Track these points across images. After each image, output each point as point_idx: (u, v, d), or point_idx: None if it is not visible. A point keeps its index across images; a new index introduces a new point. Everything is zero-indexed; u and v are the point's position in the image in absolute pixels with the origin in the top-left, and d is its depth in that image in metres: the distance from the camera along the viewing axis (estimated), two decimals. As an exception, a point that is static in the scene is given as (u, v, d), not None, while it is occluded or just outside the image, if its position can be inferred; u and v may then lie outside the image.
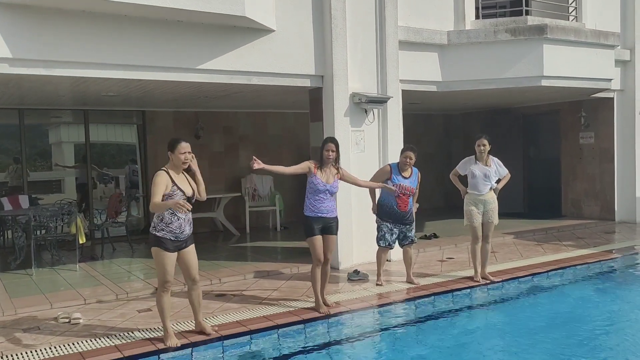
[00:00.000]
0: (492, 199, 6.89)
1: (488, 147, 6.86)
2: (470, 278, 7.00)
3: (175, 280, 7.14)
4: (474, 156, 6.94)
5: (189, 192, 4.89)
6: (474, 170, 6.87)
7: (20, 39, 5.99)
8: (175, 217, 4.84)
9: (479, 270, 7.03)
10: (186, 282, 5.13)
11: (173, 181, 4.82)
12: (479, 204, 6.89)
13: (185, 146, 4.86)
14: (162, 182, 4.76)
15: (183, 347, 4.88)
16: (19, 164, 10.62)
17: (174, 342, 4.93)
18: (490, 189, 6.88)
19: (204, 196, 5.09)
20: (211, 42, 7.02)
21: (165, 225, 4.84)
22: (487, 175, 6.84)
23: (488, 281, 6.89)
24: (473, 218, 6.91)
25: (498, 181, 7.02)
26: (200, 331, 5.14)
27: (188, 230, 4.94)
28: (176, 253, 4.92)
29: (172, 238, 4.85)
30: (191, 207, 4.76)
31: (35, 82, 7.09)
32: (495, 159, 6.98)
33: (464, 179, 7.08)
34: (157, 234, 4.86)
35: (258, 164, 5.34)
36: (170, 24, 6.73)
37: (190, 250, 5.01)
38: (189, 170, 4.99)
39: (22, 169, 10.49)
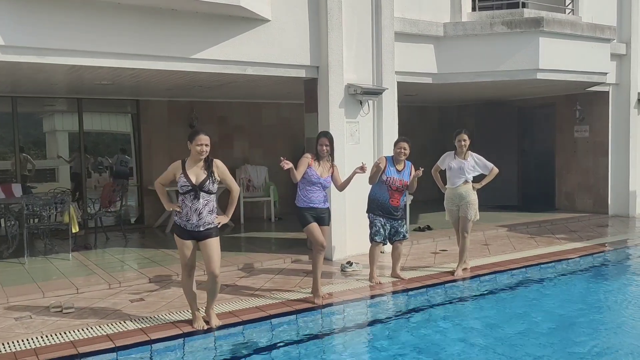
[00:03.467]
0: (467, 193, 6.88)
1: (468, 142, 6.90)
2: (463, 270, 7.04)
3: (169, 271, 7.19)
4: (454, 151, 6.99)
5: (193, 181, 4.91)
6: (451, 163, 6.95)
7: (12, 26, 5.93)
8: (184, 204, 4.95)
9: (468, 262, 7.11)
10: (207, 274, 5.15)
11: (184, 169, 4.92)
12: (455, 198, 6.95)
13: (202, 138, 4.91)
14: (169, 170, 5.04)
15: (176, 337, 4.88)
16: (24, 152, 10.65)
17: (200, 325, 5.08)
18: (465, 182, 6.89)
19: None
20: (205, 31, 6.97)
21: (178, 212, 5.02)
22: (462, 168, 6.87)
23: (455, 277, 6.84)
24: (449, 214, 7.11)
25: (481, 177, 7.03)
26: (207, 320, 5.18)
27: (195, 220, 4.92)
28: (191, 242, 5.00)
29: (182, 225, 4.97)
30: (178, 208, 4.97)
31: (28, 69, 7.03)
32: (475, 154, 7.00)
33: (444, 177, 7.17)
34: (175, 219, 5.08)
35: (287, 164, 5.55)
36: (163, 12, 6.68)
37: (208, 243, 4.99)
38: (206, 163, 5.00)
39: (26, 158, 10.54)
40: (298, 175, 5.81)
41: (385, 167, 6.44)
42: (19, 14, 5.95)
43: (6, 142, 10.79)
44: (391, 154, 6.71)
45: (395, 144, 6.60)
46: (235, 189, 5.20)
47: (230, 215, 5.28)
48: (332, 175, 6.05)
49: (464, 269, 7.05)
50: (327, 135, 6.00)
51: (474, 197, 6.90)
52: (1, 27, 5.88)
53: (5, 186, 9.19)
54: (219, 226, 5.09)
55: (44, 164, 12.75)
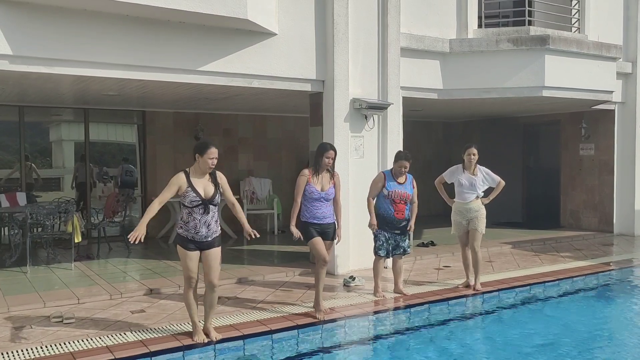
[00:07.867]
0: (478, 207, 6.86)
1: (477, 157, 6.88)
2: (465, 286, 6.99)
3: (171, 282, 7.17)
4: (461, 165, 6.96)
5: (204, 195, 4.90)
6: (461, 179, 6.90)
7: (21, 36, 5.98)
8: (192, 217, 4.91)
9: (470, 277, 7.05)
10: (205, 284, 5.12)
11: (190, 183, 4.87)
12: (465, 212, 6.90)
13: (214, 151, 4.90)
14: (173, 184, 4.88)
15: (176, 349, 4.85)
16: (29, 161, 10.73)
17: (201, 337, 5.03)
18: (477, 197, 6.87)
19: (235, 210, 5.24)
20: (212, 44, 7.01)
21: (183, 223, 4.98)
22: (472, 184, 6.85)
23: (476, 291, 6.84)
24: (457, 227, 7.03)
25: (489, 190, 7.01)
26: (206, 333, 5.13)
27: (204, 231, 4.92)
28: (197, 252, 4.98)
29: (189, 237, 4.93)
30: (137, 238, 4.83)
31: (36, 79, 7.08)
32: (483, 168, 6.98)
33: (448, 188, 7.13)
34: (178, 230, 5.05)
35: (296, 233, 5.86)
36: (171, 25, 6.72)
37: (210, 253, 5.00)
38: (212, 176, 5.00)
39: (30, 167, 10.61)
40: (298, 197, 5.85)
41: (384, 182, 6.43)
42: (27, 24, 6.00)
43: (12, 150, 10.84)
44: (391, 166, 6.70)
45: (396, 160, 6.51)
46: (236, 201, 5.26)
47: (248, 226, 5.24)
48: (334, 184, 6.02)
49: (467, 286, 7.00)
50: (333, 147, 5.94)
51: (484, 211, 6.90)
52: (10, 37, 5.93)
53: (10, 195, 9.22)
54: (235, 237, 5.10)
55: (49, 172, 12.82)
